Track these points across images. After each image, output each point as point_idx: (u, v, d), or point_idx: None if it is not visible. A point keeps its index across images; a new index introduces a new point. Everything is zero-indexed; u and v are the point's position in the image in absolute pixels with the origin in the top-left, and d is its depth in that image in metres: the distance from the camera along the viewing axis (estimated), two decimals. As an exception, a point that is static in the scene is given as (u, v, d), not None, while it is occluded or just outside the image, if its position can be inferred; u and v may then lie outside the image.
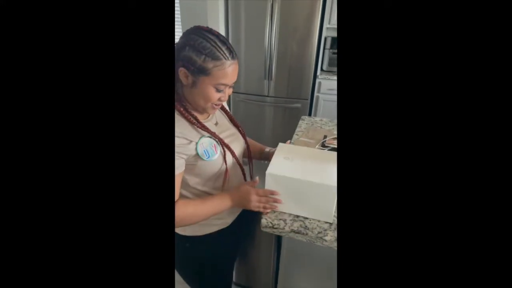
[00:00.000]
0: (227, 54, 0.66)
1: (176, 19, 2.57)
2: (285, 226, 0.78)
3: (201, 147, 0.73)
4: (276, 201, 0.79)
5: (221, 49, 0.65)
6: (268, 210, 0.82)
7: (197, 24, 0.71)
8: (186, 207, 0.72)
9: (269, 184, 0.79)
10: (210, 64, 0.65)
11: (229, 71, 0.67)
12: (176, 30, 2.62)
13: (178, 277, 0.98)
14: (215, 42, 0.65)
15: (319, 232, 0.77)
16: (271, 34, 2.17)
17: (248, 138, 1.01)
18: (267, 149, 1.01)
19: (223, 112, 0.89)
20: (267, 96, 2.40)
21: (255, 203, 0.78)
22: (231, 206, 0.79)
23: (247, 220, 1.00)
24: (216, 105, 0.73)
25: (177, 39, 0.70)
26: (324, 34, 2.28)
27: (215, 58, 0.65)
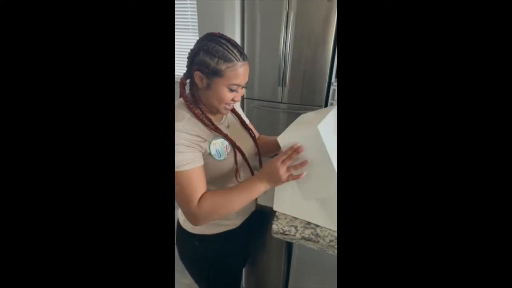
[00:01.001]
0: (238, 56, 0.71)
1: (193, 27, 2.64)
2: (296, 233, 0.78)
3: (213, 146, 0.77)
4: (297, 150, 0.72)
5: (232, 51, 0.70)
6: (302, 175, 0.74)
7: (214, 29, 0.75)
8: (214, 197, 0.72)
9: (307, 141, 0.71)
10: (223, 66, 0.70)
11: (240, 71, 0.71)
12: (193, 36, 2.69)
13: (190, 280, 0.99)
14: (227, 46, 0.70)
15: (330, 241, 0.76)
16: (286, 40, 2.19)
17: (263, 136, 1.05)
18: None
19: (235, 116, 0.93)
20: (281, 102, 2.41)
21: (284, 175, 0.72)
22: (264, 186, 0.74)
23: (258, 223, 1.01)
24: (229, 105, 0.77)
25: (191, 45, 0.75)
26: (339, 41, 2.27)
27: (227, 60, 0.70)
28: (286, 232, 0.79)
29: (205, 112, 0.77)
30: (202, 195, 0.72)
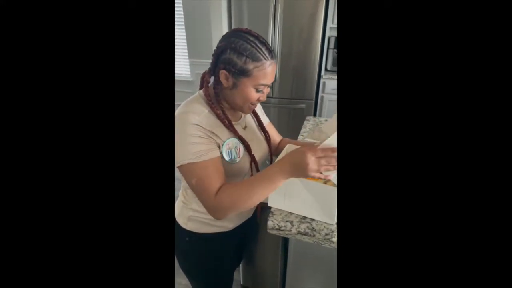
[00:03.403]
0: (267, 55, 0.67)
1: (179, 23, 2.59)
2: (292, 228, 0.78)
3: (226, 147, 0.74)
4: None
5: (261, 49, 0.66)
6: (329, 176, 0.69)
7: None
8: (233, 190, 0.68)
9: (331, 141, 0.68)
10: (250, 65, 0.66)
11: (269, 71, 0.68)
12: (180, 33, 2.64)
13: (187, 280, 0.98)
14: (255, 44, 0.66)
15: (326, 234, 0.75)
16: (274, 35, 2.17)
17: (287, 139, 1.00)
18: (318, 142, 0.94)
19: (254, 117, 0.90)
20: (271, 97, 2.40)
21: (314, 171, 0.65)
22: (286, 177, 0.68)
23: (251, 227, 0.99)
24: (253, 105, 0.74)
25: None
26: (327, 34, 2.27)
27: (256, 59, 0.66)
28: (282, 228, 0.78)
29: (225, 111, 0.74)
30: (221, 187, 0.69)
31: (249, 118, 0.87)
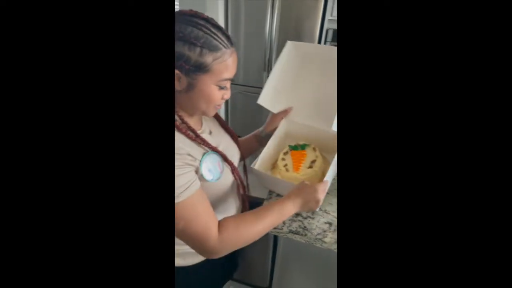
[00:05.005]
0: (225, 42, 0.54)
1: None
2: (283, 226, 0.77)
3: (205, 165, 0.60)
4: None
5: (216, 35, 0.53)
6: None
7: (195, 9, 0.56)
8: (238, 227, 0.59)
9: None
10: (209, 58, 0.53)
11: (230, 62, 0.56)
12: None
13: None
14: (208, 29, 0.52)
15: (318, 234, 0.75)
16: (271, 25, 2.12)
17: (240, 139, 0.90)
18: (261, 129, 0.92)
19: (214, 118, 0.77)
20: (266, 88, 2.36)
21: (321, 203, 0.67)
22: (295, 211, 0.66)
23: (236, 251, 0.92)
24: (219, 105, 0.62)
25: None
26: (326, 26, 2.22)
27: (213, 49, 0.52)
28: (273, 226, 0.78)
29: (185, 121, 0.60)
30: (221, 223, 0.58)
31: (211, 122, 0.74)
